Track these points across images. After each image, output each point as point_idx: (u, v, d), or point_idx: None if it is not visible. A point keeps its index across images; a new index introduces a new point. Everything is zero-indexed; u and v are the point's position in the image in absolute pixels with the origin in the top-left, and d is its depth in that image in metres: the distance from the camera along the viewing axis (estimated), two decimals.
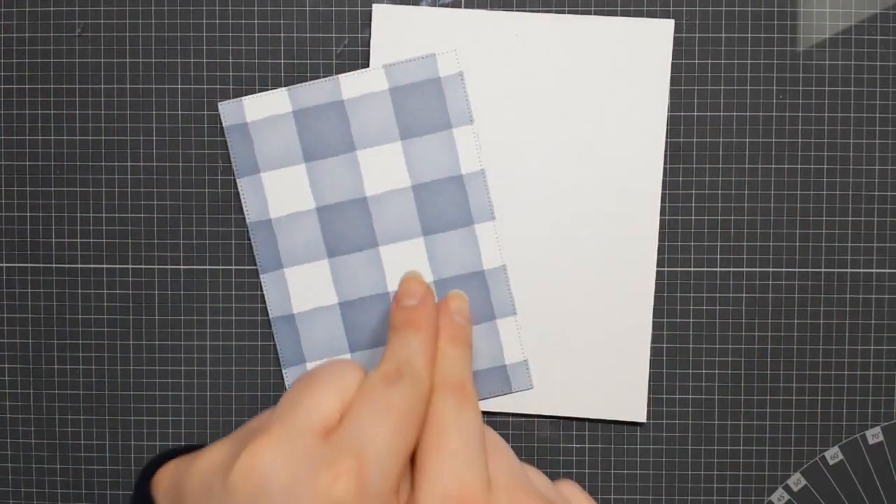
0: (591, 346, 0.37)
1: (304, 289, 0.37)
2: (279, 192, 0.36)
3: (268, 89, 0.37)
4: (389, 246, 0.37)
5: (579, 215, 0.37)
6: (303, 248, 0.37)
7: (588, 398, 0.37)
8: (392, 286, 0.37)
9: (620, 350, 0.37)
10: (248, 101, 0.36)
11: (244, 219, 0.38)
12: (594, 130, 0.37)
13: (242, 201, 0.37)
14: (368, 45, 0.37)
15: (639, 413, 0.37)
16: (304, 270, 0.37)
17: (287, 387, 0.37)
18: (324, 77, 0.37)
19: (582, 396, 0.37)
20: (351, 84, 0.36)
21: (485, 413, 0.38)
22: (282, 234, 0.37)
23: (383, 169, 0.36)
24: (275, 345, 0.37)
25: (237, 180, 0.37)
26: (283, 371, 0.37)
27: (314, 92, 0.36)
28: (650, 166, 0.37)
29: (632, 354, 0.37)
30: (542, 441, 0.38)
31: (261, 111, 0.36)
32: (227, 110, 0.36)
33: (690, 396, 0.37)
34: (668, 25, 0.36)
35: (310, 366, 0.37)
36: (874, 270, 0.37)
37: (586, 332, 0.37)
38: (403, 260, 0.36)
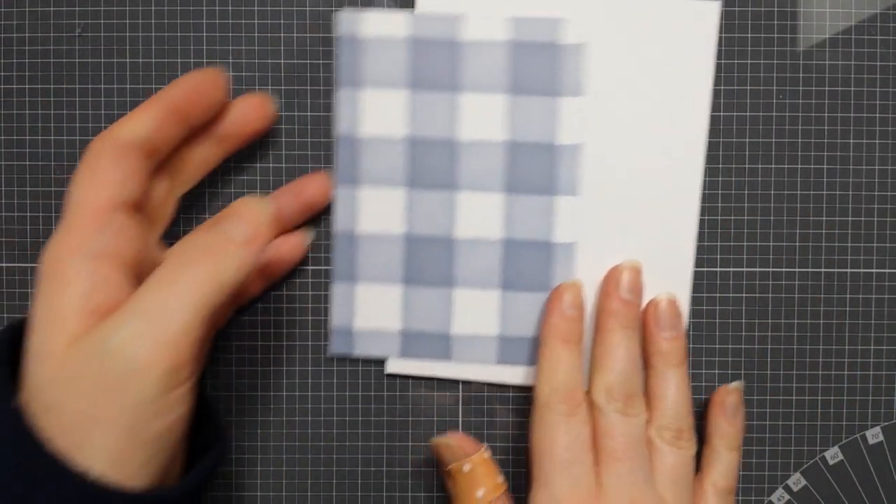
0: None
1: (373, 211, 0.36)
2: (374, 112, 0.36)
3: (267, 89, 0.37)
4: (467, 193, 0.36)
5: (616, 200, 0.36)
6: (383, 171, 0.36)
7: None
8: (460, 233, 0.36)
9: None
10: (367, 14, 0.36)
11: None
12: (634, 117, 0.36)
13: (335, 113, 0.36)
14: None
15: None
16: (379, 193, 0.36)
17: (332, 302, 0.37)
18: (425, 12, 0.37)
19: None
20: (473, 26, 0.36)
21: (511, 387, 0.38)
22: (366, 152, 0.36)
23: (482, 117, 0.36)
24: (328, 268, 0.37)
25: (336, 91, 0.36)
26: (333, 284, 0.37)
27: (435, 24, 0.36)
28: (690, 155, 0.36)
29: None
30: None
31: (377, 29, 0.36)
32: (344, 19, 0.36)
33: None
34: (713, 8, 0.36)
35: (359, 287, 0.37)
36: (874, 270, 0.37)
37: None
38: (478, 210, 0.36)
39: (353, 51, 0.36)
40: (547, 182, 0.36)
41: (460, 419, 0.38)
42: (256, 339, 0.38)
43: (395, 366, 0.37)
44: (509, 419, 0.38)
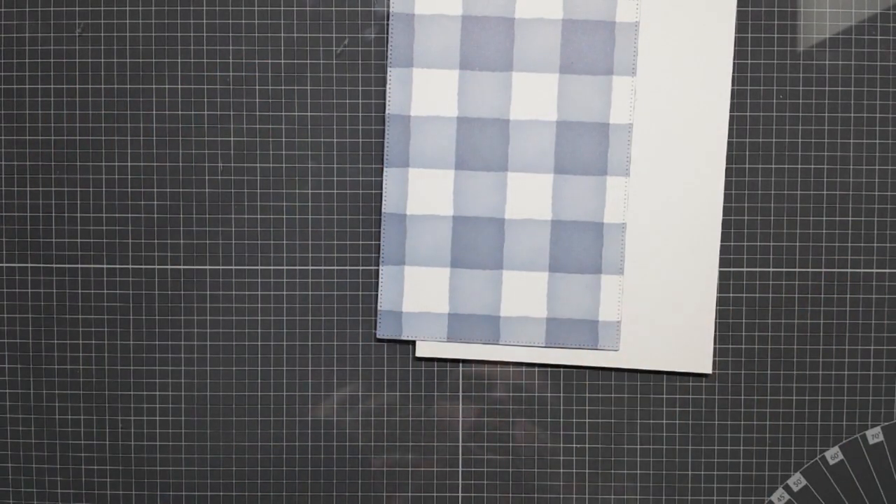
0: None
1: (423, 193, 0.36)
2: (425, 91, 0.36)
3: (268, 89, 0.37)
4: (518, 174, 0.36)
5: (639, 198, 0.37)
6: (433, 152, 0.36)
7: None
8: (510, 214, 0.36)
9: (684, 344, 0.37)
10: None
11: (245, 218, 0.37)
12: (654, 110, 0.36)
13: (387, 92, 0.36)
14: (369, 46, 0.37)
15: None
16: (429, 174, 0.36)
17: (381, 285, 0.37)
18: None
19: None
20: (526, 4, 0.36)
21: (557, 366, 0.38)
22: (417, 132, 0.36)
23: (533, 96, 0.36)
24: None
25: (388, 69, 0.36)
26: (381, 268, 0.37)
27: (490, 1, 0.36)
28: (714, 147, 0.36)
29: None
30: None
31: (431, 6, 0.36)
32: None
33: (690, 396, 0.37)
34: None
35: (408, 269, 0.37)
36: (874, 270, 0.37)
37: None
38: (528, 191, 0.36)
39: (405, 29, 0.36)
40: (598, 162, 0.36)
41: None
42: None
43: (425, 349, 0.37)
44: (509, 431, 0.38)
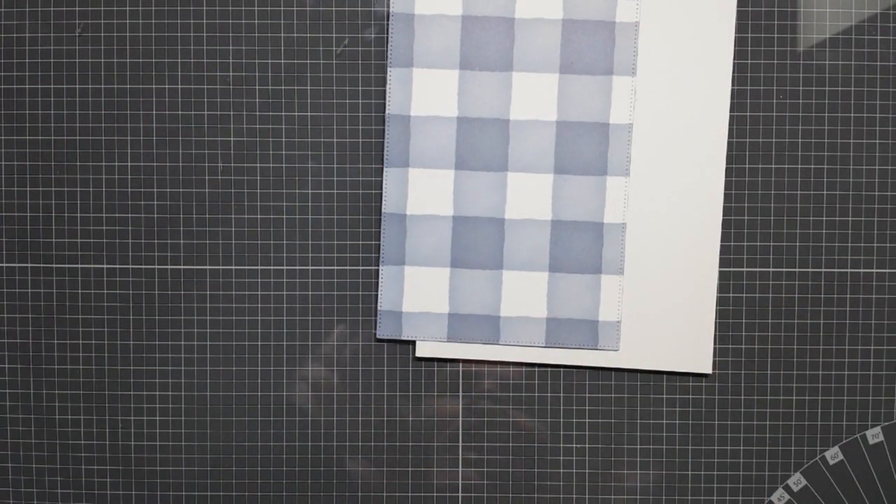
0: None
1: (422, 193, 0.36)
2: (425, 91, 0.36)
3: (268, 89, 0.37)
4: (518, 174, 0.36)
5: (641, 199, 0.37)
6: (433, 152, 0.36)
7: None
8: (510, 213, 0.36)
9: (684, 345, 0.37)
10: None
11: (245, 218, 0.37)
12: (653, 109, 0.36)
13: (387, 92, 0.36)
14: (369, 46, 0.37)
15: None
16: (429, 174, 0.36)
17: (381, 285, 0.37)
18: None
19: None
20: (526, 4, 0.36)
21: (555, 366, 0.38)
22: (417, 132, 0.36)
23: (533, 96, 0.36)
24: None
25: (388, 69, 0.36)
26: (381, 268, 0.37)
27: (490, 1, 0.36)
28: (713, 149, 0.36)
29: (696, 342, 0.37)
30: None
31: (431, 6, 0.36)
32: None
33: (690, 396, 0.37)
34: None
35: (408, 269, 0.37)
36: (874, 270, 0.37)
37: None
38: (528, 191, 0.36)
39: (405, 29, 0.36)
40: (598, 162, 0.36)
41: (460, 426, 0.38)
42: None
43: (425, 349, 0.37)
44: (509, 431, 0.38)
